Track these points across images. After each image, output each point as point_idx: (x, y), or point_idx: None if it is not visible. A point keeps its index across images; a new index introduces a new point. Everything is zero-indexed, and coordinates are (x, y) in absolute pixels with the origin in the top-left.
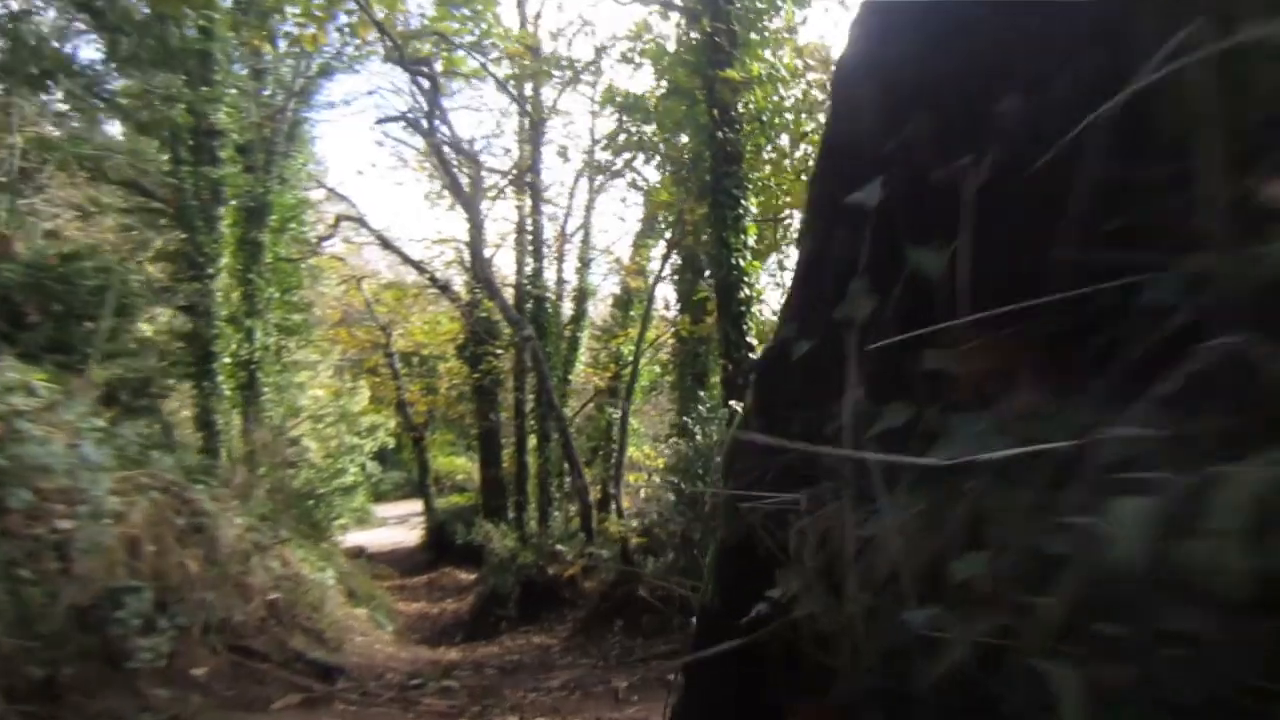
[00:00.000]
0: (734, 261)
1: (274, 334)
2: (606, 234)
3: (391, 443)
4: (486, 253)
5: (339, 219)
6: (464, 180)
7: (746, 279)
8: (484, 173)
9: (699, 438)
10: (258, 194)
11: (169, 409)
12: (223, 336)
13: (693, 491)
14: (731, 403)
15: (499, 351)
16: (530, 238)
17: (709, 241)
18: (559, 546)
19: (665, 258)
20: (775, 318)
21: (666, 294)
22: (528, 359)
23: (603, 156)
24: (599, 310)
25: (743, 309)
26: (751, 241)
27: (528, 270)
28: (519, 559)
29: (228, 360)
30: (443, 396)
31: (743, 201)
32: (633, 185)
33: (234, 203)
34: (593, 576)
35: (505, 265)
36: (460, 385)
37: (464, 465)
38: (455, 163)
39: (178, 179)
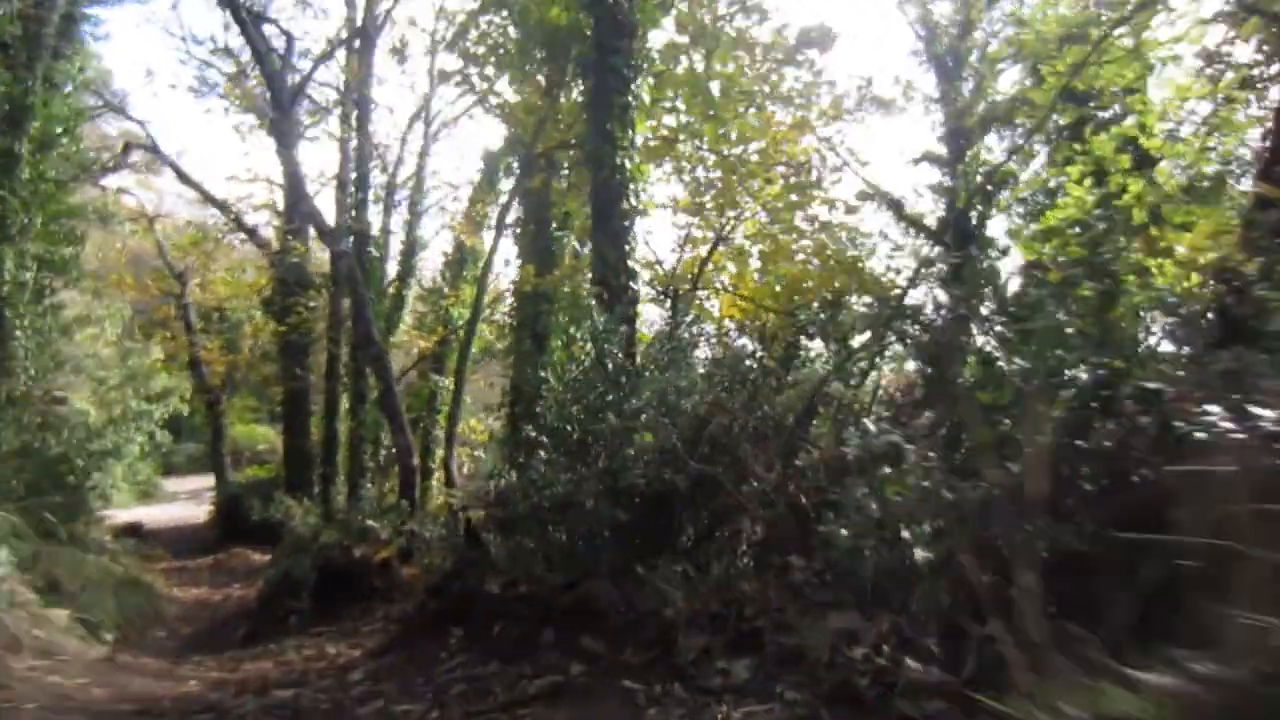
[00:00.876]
0: (619, 161)
1: (32, 267)
2: (439, 178)
3: (186, 410)
4: (309, 189)
5: (127, 145)
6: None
7: (633, 186)
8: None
9: (588, 360)
10: (15, 96)
11: None
12: None
13: (589, 432)
14: (623, 328)
15: (311, 305)
16: (354, 168)
17: (585, 133)
18: (370, 522)
19: (506, 206)
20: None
21: (506, 250)
22: (343, 300)
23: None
24: (427, 269)
25: (626, 224)
26: (640, 141)
27: (350, 206)
28: (322, 538)
29: None
30: (244, 356)
31: (634, 85)
32: (482, 98)
33: None
34: (415, 562)
35: (326, 211)
36: (266, 344)
37: (267, 435)
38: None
39: None
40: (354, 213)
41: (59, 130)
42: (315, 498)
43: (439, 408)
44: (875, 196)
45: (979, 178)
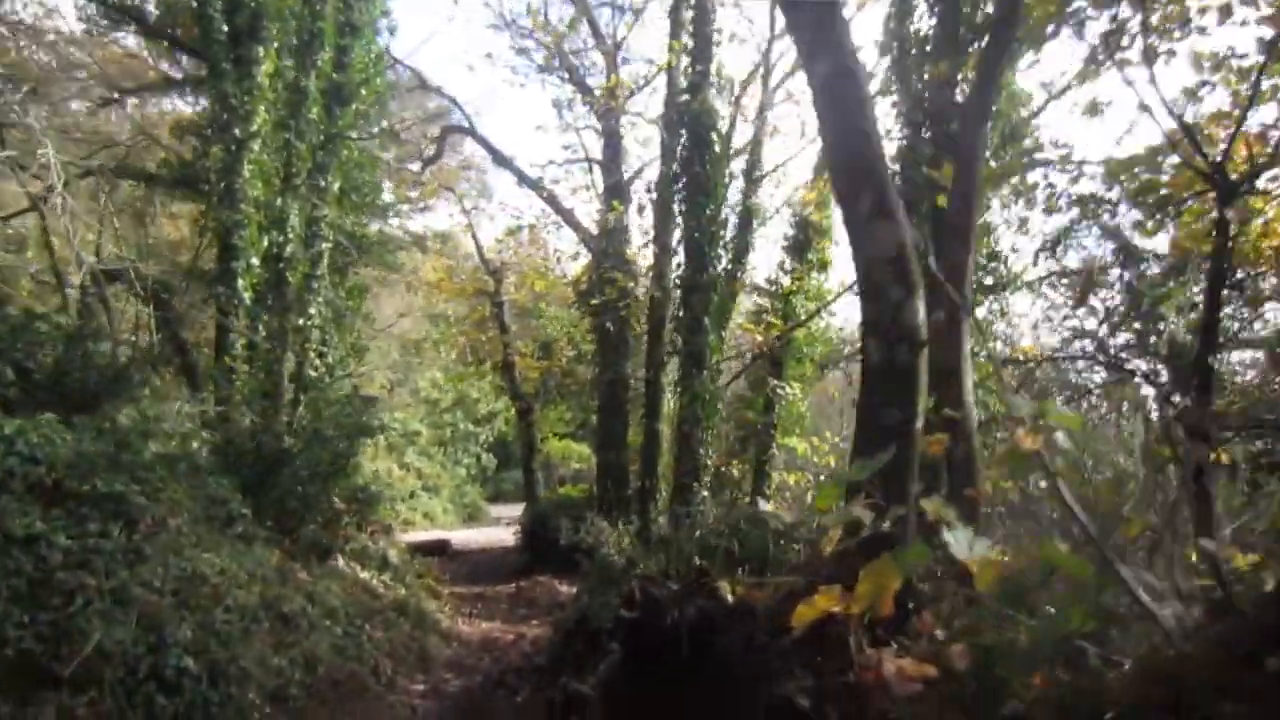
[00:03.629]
0: None
1: (327, 235)
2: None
3: (510, 433)
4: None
5: (446, 131)
6: None
7: None
8: None
9: None
10: (302, 24)
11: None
12: (251, 225)
13: None
14: None
15: (630, 285)
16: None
17: None
18: (771, 508)
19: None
20: None
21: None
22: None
23: None
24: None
25: None
26: None
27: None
28: (639, 568)
29: (257, 261)
30: (558, 361)
31: None
32: None
33: (276, 45)
34: (961, 623)
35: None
36: (581, 342)
37: (582, 452)
38: None
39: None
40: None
41: (357, 80)
42: (633, 519)
43: (778, 419)
44: None
45: None
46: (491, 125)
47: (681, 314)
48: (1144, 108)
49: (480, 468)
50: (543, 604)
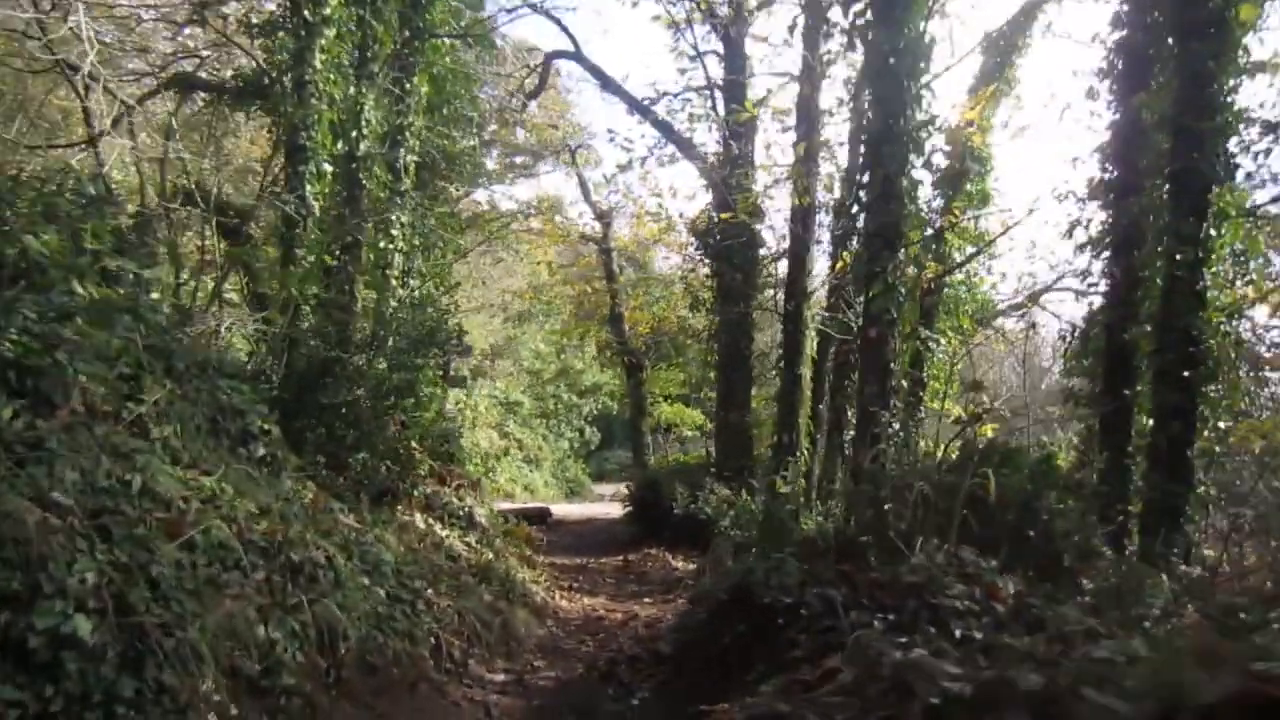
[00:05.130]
0: None
1: (412, 144)
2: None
3: (615, 407)
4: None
5: (549, 58)
6: None
7: None
8: None
9: None
10: None
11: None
12: (321, 122)
13: None
14: None
15: (762, 199)
16: None
17: None
18: None
19: None
20: None
21: None
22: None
23: None
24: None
25: None
26: None
27: None
28: (802, 524)
29: (329, 167)
30: (669, 315)
31: None
32: None
33: None
34: None
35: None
36: (701, 287)
37: (696, 418)
38: None
39: None
40: None
41: None
42: (759, 486)
43: (929, 375)
44: None
45: None
46: (601, 53)
47: (868, 177)
48: None
49: (584, 441)
50: (655, 579)
